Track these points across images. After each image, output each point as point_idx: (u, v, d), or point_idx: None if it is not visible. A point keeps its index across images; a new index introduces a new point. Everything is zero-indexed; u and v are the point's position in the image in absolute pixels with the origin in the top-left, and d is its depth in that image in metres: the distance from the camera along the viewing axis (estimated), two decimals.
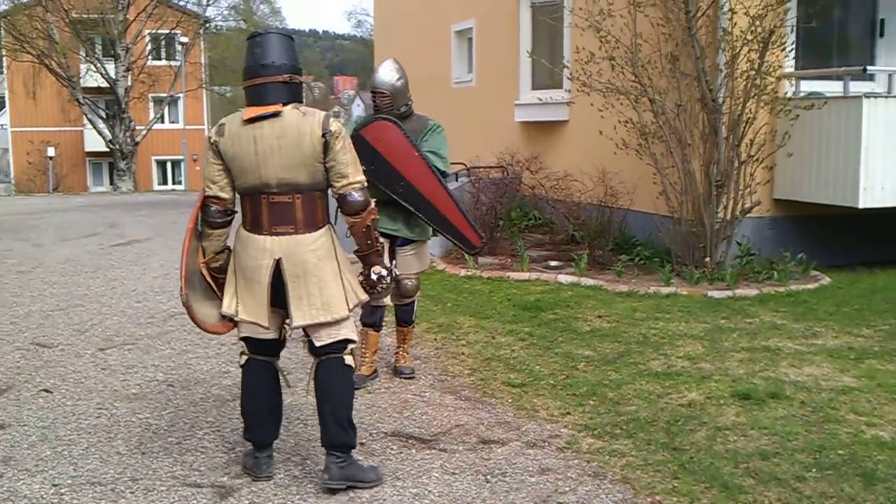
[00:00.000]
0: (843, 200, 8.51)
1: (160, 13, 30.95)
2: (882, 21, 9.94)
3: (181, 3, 33.25)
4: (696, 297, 7.89)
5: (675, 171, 8.78)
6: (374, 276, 4.12)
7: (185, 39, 32.41)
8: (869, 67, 9.06)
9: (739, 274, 8.51)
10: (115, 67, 29.31)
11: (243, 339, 4.11)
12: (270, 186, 3.88)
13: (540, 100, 11.34)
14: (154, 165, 41.54)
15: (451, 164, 11.93)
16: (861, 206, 8.34)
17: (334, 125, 3.90)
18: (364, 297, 4.11)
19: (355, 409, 4.92)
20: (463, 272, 9.07)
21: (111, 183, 36.17)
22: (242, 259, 3.99)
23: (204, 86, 36.09)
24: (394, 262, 5.54)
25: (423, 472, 4.17)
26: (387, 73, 5.47)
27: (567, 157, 11.05)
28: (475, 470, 4.18)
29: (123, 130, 29.39)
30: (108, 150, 31.10)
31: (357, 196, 3.97)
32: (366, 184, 4.03)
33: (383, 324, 5.77)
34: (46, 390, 5.45)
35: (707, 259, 8.61)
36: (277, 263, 3.90)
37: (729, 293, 7.96)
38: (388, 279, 4.21)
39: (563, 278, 8.64)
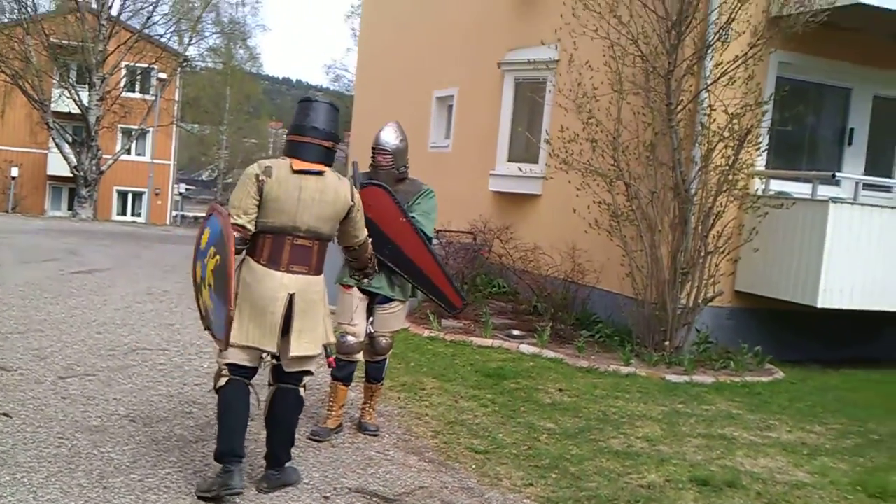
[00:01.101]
0: (803, 299, 8.76)
1: (140, 47, 31.05)
2: (851, 130, 10.37)
3: (162, 40, 33.34)
4: (654, 378, 8.02)
5: (643, 255, 8.98)
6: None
7: (163, 75, 32.47)
8: (838, 174, 9.40)
9: (697, 360, 8.66)
10: (89, 95, 29.23)
11: (228, 364, 4.40)
12: (299, 230, 4.40)
13: (520, 170, 11.51)
14: (115, 195, 41.17)
15: None
16: (820, 305, 8.60)
17: (356, 196, 4.63)
18: (332, 339, 4.68)
19: (319, 462, 5.04)
20: (426, 333, 9.11)
21: (70, 208, 35.83)
22: (255, 290, 4.37)
23: (175, 122, 36.05)
24: (370, 319, 5.61)
25: None
26: (391, 134, 5.65)
27: (538, 230, 11.23)
28: None
29: (90, 158, 29.20)
30: (71, 175, 30.85)
31: (367, 246, 4.95)
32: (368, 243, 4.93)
33: (352, 379, 5.79)
34: (5, 414, 5.37)
35: (667, 343, 8.77)
36: (291, 298, 4.35)
37: (686, 378, 8.10)
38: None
39: (525, 348, 8.73)
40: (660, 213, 8.93)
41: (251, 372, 4.48)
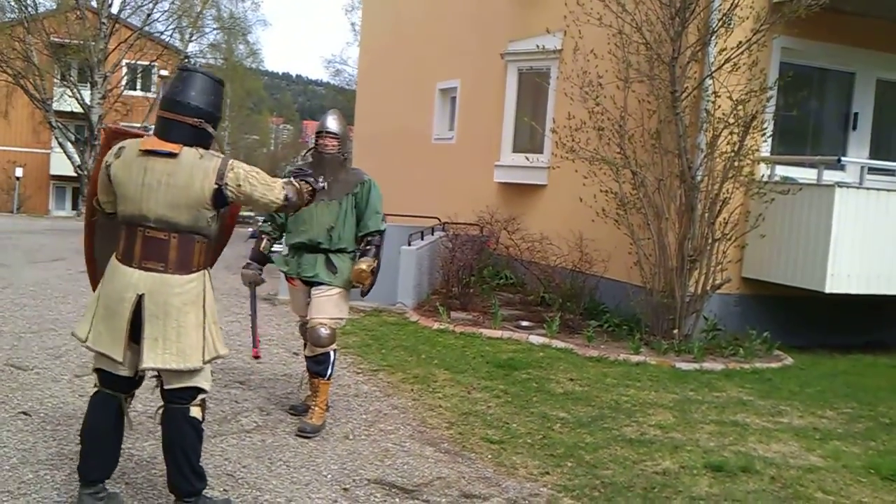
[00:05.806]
0: (810, 284, 8.78)
1: (141, 45, 31.06)
2: (856, 115, 10.37)
3: (163, 37, 33.34)
4: (664, 367, 8.05)
5: (651, 243, 9.01)
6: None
7: (164, 73, 32.46)
8: (843, 158, 9.43)
9: (706, 348, 8.68)
10: (91, 94, 29.28)
11: (96, 370, 3.95)
12: (148, 220, 3.78)
13: (527, 159, 11.54)
14: None
15: (426, 217, 12.13)
16: (828, 290, 8.61)
17: (231, 173, 3.82)
18: (224, 351, 3.96)
19: (336, 455, 5.04)
20: (436, 325, 9.16)
21: (74, 207, 35.92)
22: (107, 288, 3.86)
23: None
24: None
25: None
26: (336, 120, 5.71)
27: (544, 220, 11.26)
28: None
29: (93, 157, 29.22)
30: (74, 174, 30.93)
31: (292, 200, 4.08)
32: (289, 194, 4.05)
33: (330, 373, 5.64)
34: (25, 413, 5.43)
35: (675, 331, 8.80)
36: (140, 299, 3.76)
37: (696, 366, 8.13)
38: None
39: (535, 339, 8.77)
40: (666, 200, 8.96)
41: (124, 383, 3.91)
